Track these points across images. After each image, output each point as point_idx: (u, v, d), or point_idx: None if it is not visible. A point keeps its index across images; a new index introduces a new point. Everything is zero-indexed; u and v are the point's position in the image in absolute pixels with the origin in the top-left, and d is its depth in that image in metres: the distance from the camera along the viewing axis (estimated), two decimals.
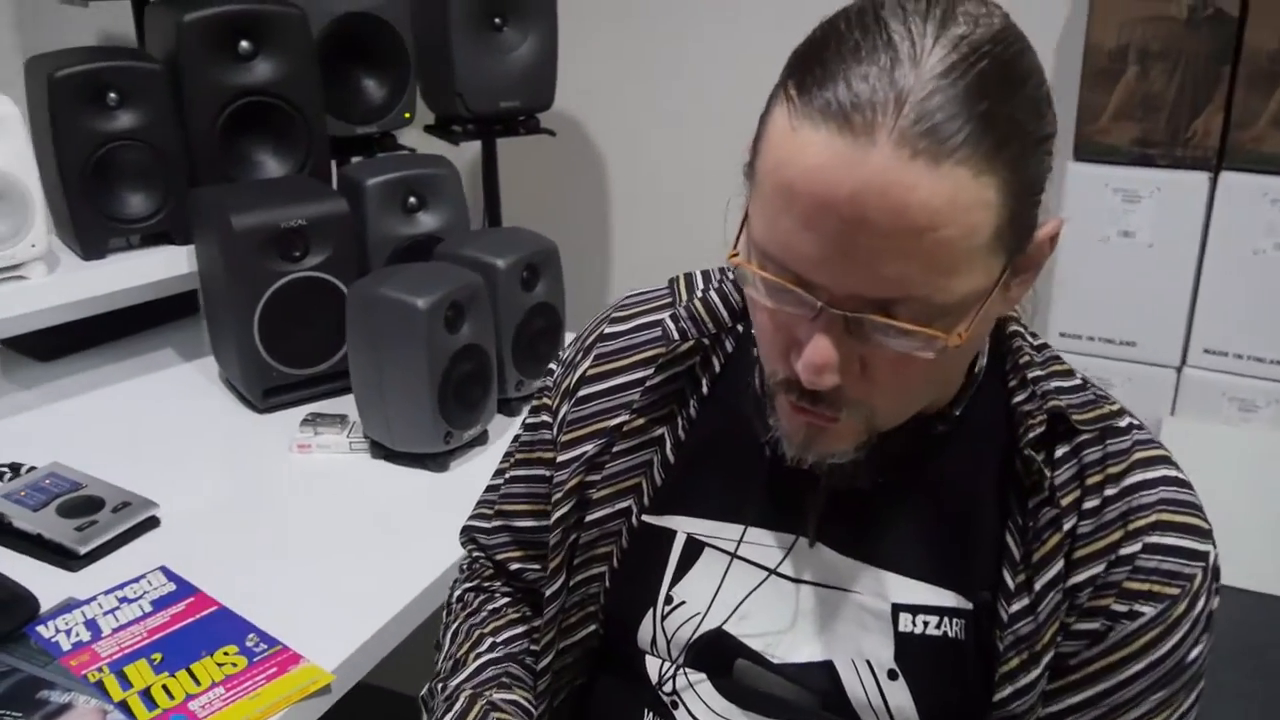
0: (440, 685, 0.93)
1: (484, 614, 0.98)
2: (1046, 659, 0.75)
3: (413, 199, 1.67)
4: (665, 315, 0.88)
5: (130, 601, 1.13)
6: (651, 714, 0.86)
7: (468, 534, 1.01)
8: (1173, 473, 0.78)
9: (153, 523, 1.28)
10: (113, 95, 1.55)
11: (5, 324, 1.53)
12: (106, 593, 1.14)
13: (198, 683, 1.01)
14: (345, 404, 1.51)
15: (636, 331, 0.90)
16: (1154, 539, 0.75)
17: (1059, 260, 1.98)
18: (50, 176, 1.56)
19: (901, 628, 0.78)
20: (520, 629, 0.97)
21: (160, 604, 1.13)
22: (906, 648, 0.78)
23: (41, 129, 1.54)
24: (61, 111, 1.51)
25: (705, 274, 0.91)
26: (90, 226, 1.58)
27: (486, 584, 1.01)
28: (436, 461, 1.39)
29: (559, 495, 0.89)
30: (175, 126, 1.61)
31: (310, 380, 1.57)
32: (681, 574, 0.85)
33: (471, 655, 0.94)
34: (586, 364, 0.91)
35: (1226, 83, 1.78)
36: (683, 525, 0.85)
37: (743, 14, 2.37)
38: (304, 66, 1.72)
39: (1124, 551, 0.74)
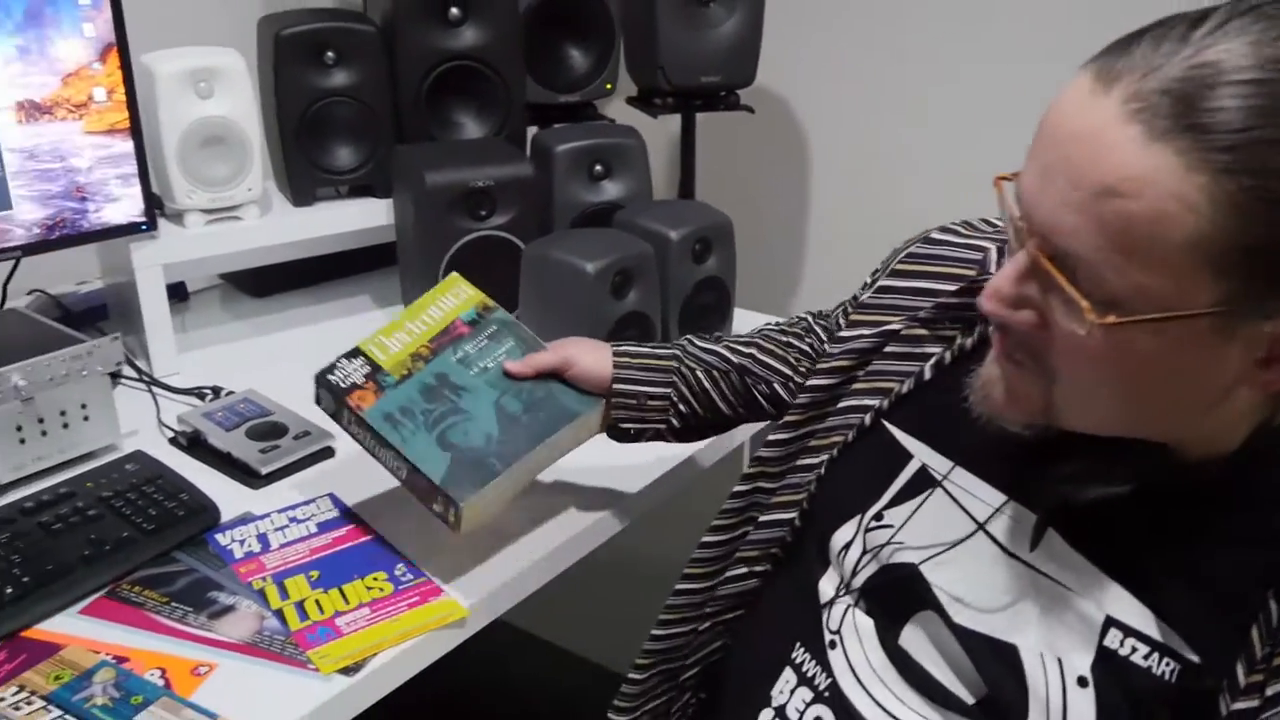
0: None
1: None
2: None
3: (599, 167, 1.72)
4: (993, 245, 0.88)
5: (299, 522, 1.22)
6: (803, 648, 0.87)
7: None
8: None
9: (328, 453, 1.37)
10: (330, 54, 1.66)
11: (220, 260, 1.67)
12: (279, 511, 1.24)
13: (346, 601, 1.08)
14: None
15: (960, 248, 0.91)
16: None
17: None
18: (270, 127, 1.68)
19: (1107, 642, 0.74)
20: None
21: (324, 527, 1.21)
22: (1106, 663, 0.74)
23: (266, 83, 1.66)
24: (284, 67, 1.63)
25: None
26: (301, 175, 1.70)
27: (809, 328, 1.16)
28: None
29: (826, 367, 0.93)
30: (385, 86, 1.71)
31: None
32: (902, 500, 0.84)
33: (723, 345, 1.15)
34: (895, 264, 0.94)
35: None
36: (923, 454, 0.85)
37: (954, 10, 2.30)
38: (508, 35, 1.79)
39: None
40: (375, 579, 1.12)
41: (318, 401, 1.18)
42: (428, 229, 1.56)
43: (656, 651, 1.08)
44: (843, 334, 0.94)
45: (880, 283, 0.95)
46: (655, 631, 1.08)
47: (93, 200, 1.46)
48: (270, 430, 1.37)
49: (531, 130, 1.92)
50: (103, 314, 1.75)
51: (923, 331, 0.88)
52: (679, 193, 2.40)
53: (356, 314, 1.86)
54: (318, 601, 1.08)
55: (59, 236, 1.45)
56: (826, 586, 0.89)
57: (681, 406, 1.13)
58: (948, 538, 0.81)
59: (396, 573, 1.13)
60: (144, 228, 1.52)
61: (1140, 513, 0.74)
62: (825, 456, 0.91)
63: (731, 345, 1.15)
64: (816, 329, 1.15)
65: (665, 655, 1.07)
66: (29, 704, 0.95)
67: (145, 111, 1.50)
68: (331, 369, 1.16)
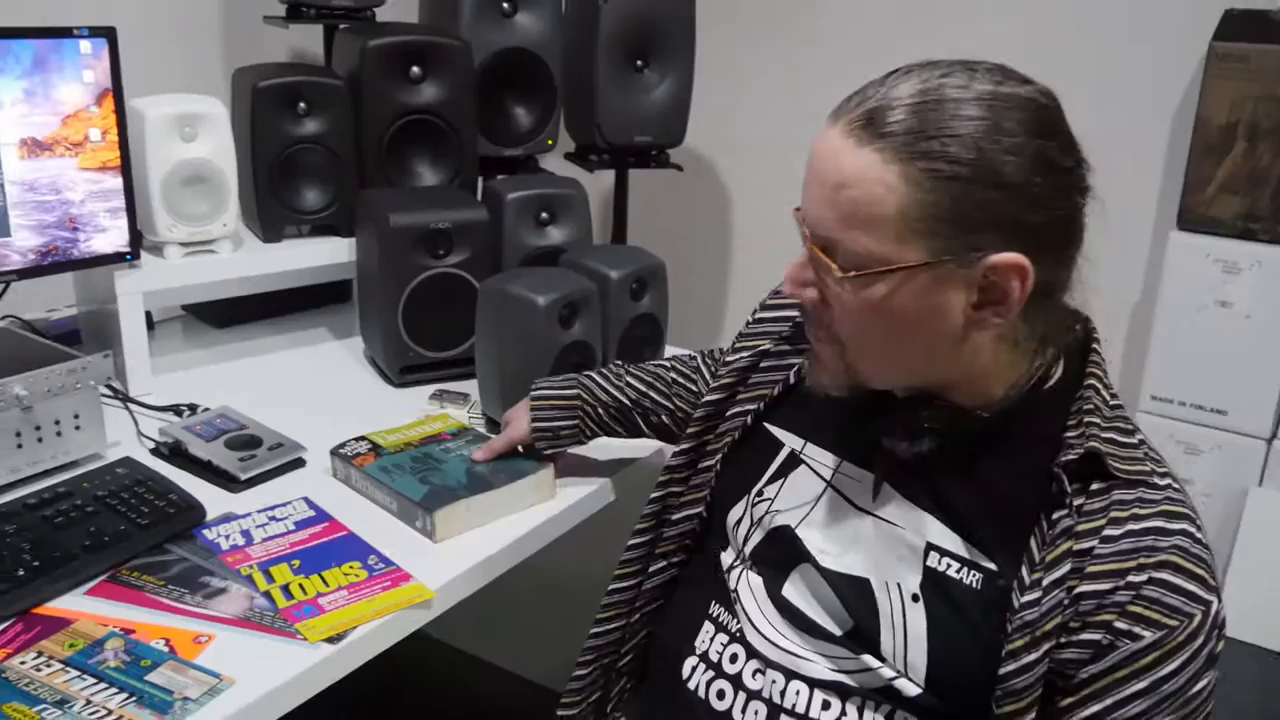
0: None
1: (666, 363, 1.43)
2: (1046, 646, 0.88)
3: (545, 214, 1.89)
4: None
5: (277, 520, 1.36)
6: (718, 605, 1.09)
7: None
8: (1193, 530, 0.90)
9: (300, 463, 1.51)
10: (302, 104, 1.82)
11: (196, 290, 1.80)
12: (259, 511, 1.37)
13: (326, 585, 1.23)
14: (468, 386, 1.73)
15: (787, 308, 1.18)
16: (1162, 575, 0.87)
17: (1155, 325, 2.05)
18: (244, 169, 1.83)
19: (929, 563, 0.96)
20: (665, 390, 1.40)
21: (301, 525, 1.35)
22: (931, 580, 0.96)
23: (241, 128, 1.81)
24: (260, 115, 1.79)
25: None
26: (272, 214, 1.85)
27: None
28: None
29: (716, 386, 1.18)
30: (350, 135, 1.87)
31: (441, 363, 1.79)
32: (777, 478, 1.08)
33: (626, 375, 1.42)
34: (768, 298, 1.21)
35: None
36: (790, 441, 1.09)
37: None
38: (463, 93, 1.97)
39: (1132, 579, 0.87)
40: (351, 567, 1.27)
41: (333, 472, 1.49)
42: (389, 265, 1.72)
43: (595, 648, 1.26)
44: (728, 359, 1.19)
45: (756, 316, 1.21)
46: (593, 630, 1.26)
47: (83, 230, 1.60)
48: (248, 442, 1.51)
49: (481, 179, 2.09)
50: (75, 339, 1.87)
51: (786, 348, 1.14)
52: (612, 240, 2.59)
53: (314, 344, 2.00)
54: (301, 585, 1.22)
55: (51, 263, 1.58)
56: (727, 558, 1.11)
57: (587, 433, 1.45)
58: (809, 502, 1.04)
59: (370, 562, 1.28)
60: (128, 258, 1.65)
61: (945, 462, 0.96)
62: (719, 456, 1.14)
63: (631, 384, 1.43)
64: (704, 369, 1.40)
65: (602, 650, 1.26)
66: (49, 665, 1.07)
67: (133, 151, 1.64)
68: (343, 445, 1.50)
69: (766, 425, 1.12)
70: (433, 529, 1.33)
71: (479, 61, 2.08)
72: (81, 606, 1.18)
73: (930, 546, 0.96)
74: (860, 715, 0.98)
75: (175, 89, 1.74)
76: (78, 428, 1.45)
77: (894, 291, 0.88)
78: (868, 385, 0.97)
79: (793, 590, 1.04)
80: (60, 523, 1.27)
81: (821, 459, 1.07)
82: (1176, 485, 0.93)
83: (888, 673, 0.97)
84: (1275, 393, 1.98)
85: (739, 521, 1.10)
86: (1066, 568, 0.89)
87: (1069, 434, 0.93)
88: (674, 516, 1.19)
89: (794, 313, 1.14)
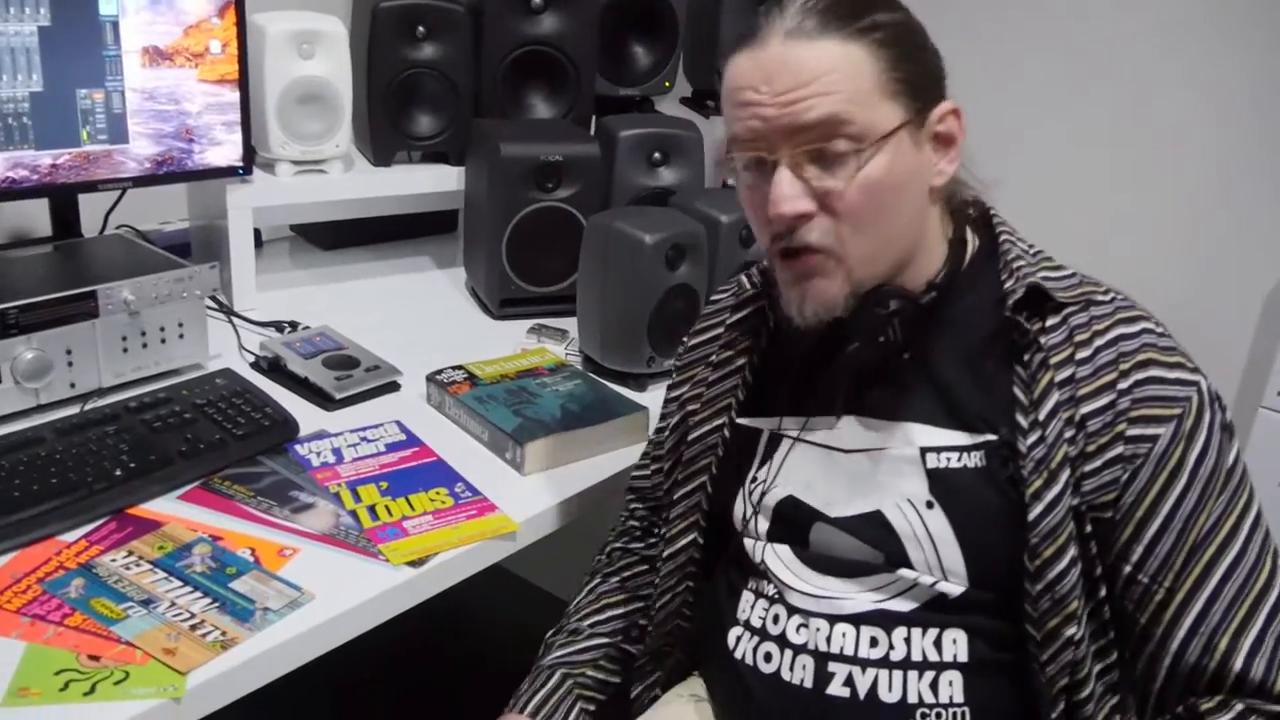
0: (553, 643, 1.21)
1: (614, 581, 1.25)
2: (1064, 476, 0.91)
3: (658, 154, 1.85)
4: (739, 280, 1.15)
5: (369, 441, 1.35)
6: (752, 579, 1.06)
7: (628, 489, 1.29)
8: (1152, 325, 0.96)
9: (394, 386, 1.50)
10: (421, 29, 1.79)
11: (305, 210, 1.81)
12: (352, 430, 1.37)
13: (412, 508, 1.22)
14: (567, 323, 1.70)
15: (721, 301, 1.20)
16: (1147, 373, 0.92)
17: None
18: (360, 91, 1.82)
19: (930, 465, 0.97)
20: (640, 605, 1.22)
21: (392, 447, 1.35)
22: (937, 481, 0.96)
23: (359, 49, 1.80)
24: (378, 37, 1.77)
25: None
26: (384, 138, 1.84)
27: (633, 544, 1.27)
28: (637, 381, 1.56)
29: (670, 418, 1.18)
30: (469, 63, 1.85)
31: (541, 298, 1.77)
32: (765, 462, 1.07)
33: (587, 624, 1.21)
34: (694, 328, 1.21)
35: None
36: (764, 424, 1.09)
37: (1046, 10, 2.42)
38: (584, 27, 1.92)
39: (1122, 386, 0.92)
40: (438, 493, 1.25)
41: (428, 398, 1.48)
42: (498, 196, 1.70)
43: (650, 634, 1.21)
44: (672, 395, 1.20)
45: (687, 346, 1.20)
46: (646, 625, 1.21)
47: (198, 143, 1.60)
48: (344, 362, 1.50)
49: (595, 117, 2.05)
50: (185, 252, 1.89)
51: (729, 353, 1.12)
52: (723, 185, 2.53)
53: (416, 272, 2.00)
54: (387, 507, 1.22)
55: (166, 173, 1.59)
56: (747, 547, 1.07)
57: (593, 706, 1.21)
58: (803, 466, 1.04)
59: (456, 490, 1.26)
60: (241, 172, 1.66)
61: (898, 370, 0.99)
62: (704, 478, 1.11)
63: (597, 654, 1.20)
64: (650, 537, 1.27)
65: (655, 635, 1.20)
66: (138, 565, 1.08)
67: (253, 66, 1.64)
68: (440, 371, 1.48)
69: (740, 422, 1.10)
70: (522, 461, 1.31)
71: None
72: (173, 510, 1.19)
73: (924, 451, 0.97)
74: (908, 644, 0.96)
75: (299, 6, 1.73)
76: (181, 336, 1.47)
77: (891, 162, 0.92)
78: (861, 290, 0.96)
79: (819, 545, 1.03)
80: (159, 427, 1.28)
81: (795, 425, 1.06)
82: (1120, 294, 0.98)
83: (928, 579, 0.96)
84: None
85: (744, 515, 1.07)
86: (1055, 397, 0.92)
87: (1006, 283, 0.98)
88: (667, 551, 1.15)
89: (717, 328, 1.16)
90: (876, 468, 1.00)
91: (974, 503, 0.95)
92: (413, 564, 1.13)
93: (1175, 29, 2.15)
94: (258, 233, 2.03)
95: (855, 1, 0.92)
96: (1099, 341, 0.94)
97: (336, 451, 1.32)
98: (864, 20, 0.91)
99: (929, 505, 0.96)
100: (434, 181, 1.88)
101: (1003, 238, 1.02)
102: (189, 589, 1.05)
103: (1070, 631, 0.91)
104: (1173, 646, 0.90)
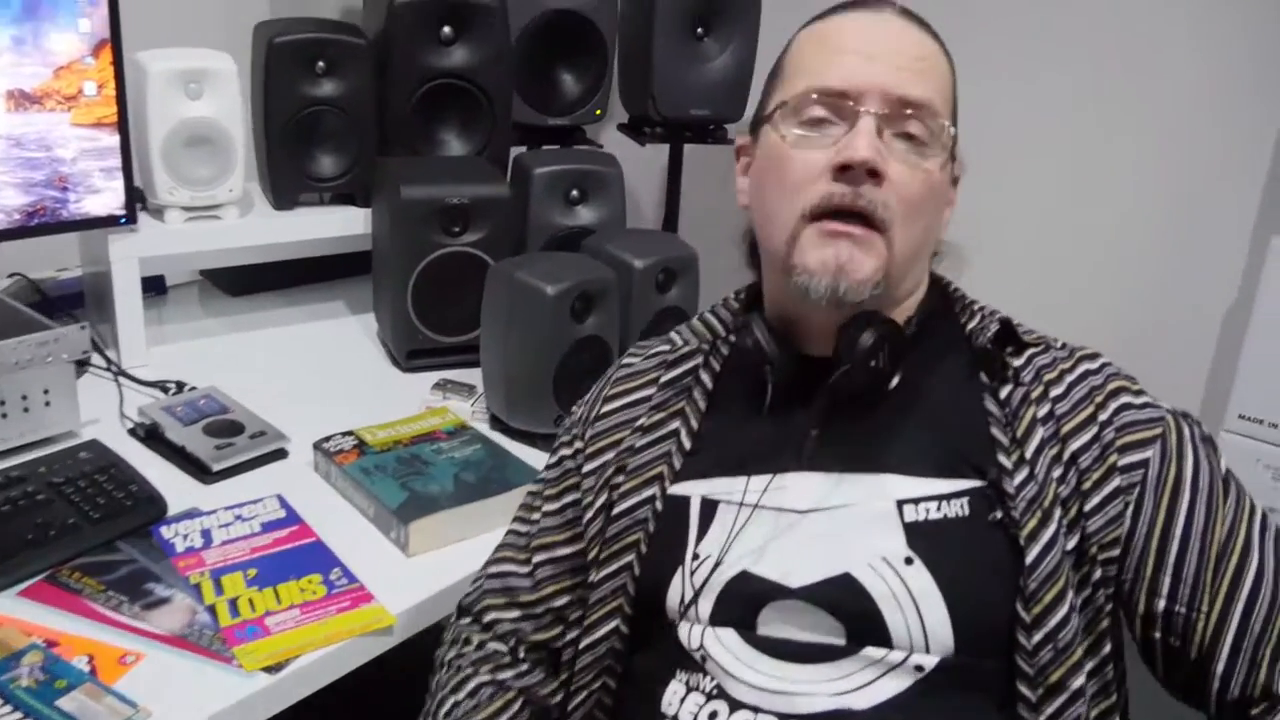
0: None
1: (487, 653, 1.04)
2: (1057, 515, 0.85)
3: (575, 192, 1.75)
4: (669, 343, 1.06)
5: (244, 520, 1.25)
6: (682, 671, 0.91)
7: (486, 591, 1.06)
8: (1111, 361, 0.94)
9: (281, 454, 1.40)
10: (321, 64, 1.69)
11: (197, 257, 1.70)
12: (226, 508, 1.26)
13: (279, 601, 1.11)
14: (477, 376, 1.60)
15: (647, 359, 1.07)
16: (1120, 401, 0.90)
17: (1248, 337, 1.88)
18: (258, 131, 1.71)
19: (908, 518, 0.87)
20: (525, 667, 1.03)
21: (268, 527, 1.24)
22: (917, 535, 0.86)
23: (258, 87, 1.70)
24: (274, 74, 1.67)
25: (698, 315, 1.08)
26: (284, 180, 1.73)
27: (502, 674, 1.02)
28: (545, 441, 1.45)
29: (589, 498, 1.02)
30: (373, 99, 1.75)
31: (451, 348, 1.67)
32: (703, 533, 0.94)
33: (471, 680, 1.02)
34: (605, 391, 1.06)
35: None
36: (696, 489, 0.96)
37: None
38: (499, 57, 1.83)
39: (1102, 417, 0.89)
40: (310, 581, 1.15)
41: (315, 467, 1.37)
42: (400, 241, 1.60)
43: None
44: (591, 466, 1.03)
45: (599, 412, 1.05)
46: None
47: (74, 190, 1.50)
48: (227, 428, 1.40)
49: (516, 150, 1.95)
50: (79, 302, 1.78)
51: (660, 415, 1.01)
52: (662, 222, 2.44)
53: (329, 318, 1.89)
54: (251, 600, 1.11)
55: (38, 224, 1.48)
56: (682, 633, 0.93)
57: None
58: (753, 535, 0.91)
59: (331, 576, 1.16)
60: (123, 221, 1.55)
61: (868, 415, 0.91)
62: (631, 556, 0.97)
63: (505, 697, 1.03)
64: (521, 664, 1.05)
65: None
66: None
67: (134, 108, 1.54)
68: (328, 438, 1.38)
69: (671, 493, 0.98)
70: (406, 541, 1.21)
71: (525, 23, 1.94)
72: (10, 609, 1.08)
73: (901, 503, 0.88)
74: None
75: (189, 43, 1.62)
76: (48, 404, 1.36)
77: (944, 171, 0.93)
78: (888, 287, 0.92)
79: (771, 627, 0.89)
80: (7, 511, 1.17)
81: (734, 487, 0.93)
82: (1068, 343, 0.97)
83: (898, 654, 0.85)
84: None
85: (683, 599, 0.93)
86: (1040, 433, 0.88)
87: (970, 323, 0.96)
88: (585, 642, 0.99)
89: (645, 389, 1.04)
90: (842, 526, 0.89)
91: (960, 555, 0.86)
92: (270, 669, 1.02)
93: (1129, 43, 2.07)
94: (162, 279, 1.93)
95: (927, 24, 0.97)
96: (1069, 378, 0.92)
97: (205, 533, 1.22)
98: (939, 39, 0.96)
99: (908, 562, 0.86)
100: (341, 225, 1.78)
101: (949, 286, 1.02)
102: (8, 709, 0.94)
103: (1076, 683, 0.84)
104: (1218, 669, 0.85)
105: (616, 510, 0.99)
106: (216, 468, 1.33)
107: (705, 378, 1.02)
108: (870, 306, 0.91)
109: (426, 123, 1.81)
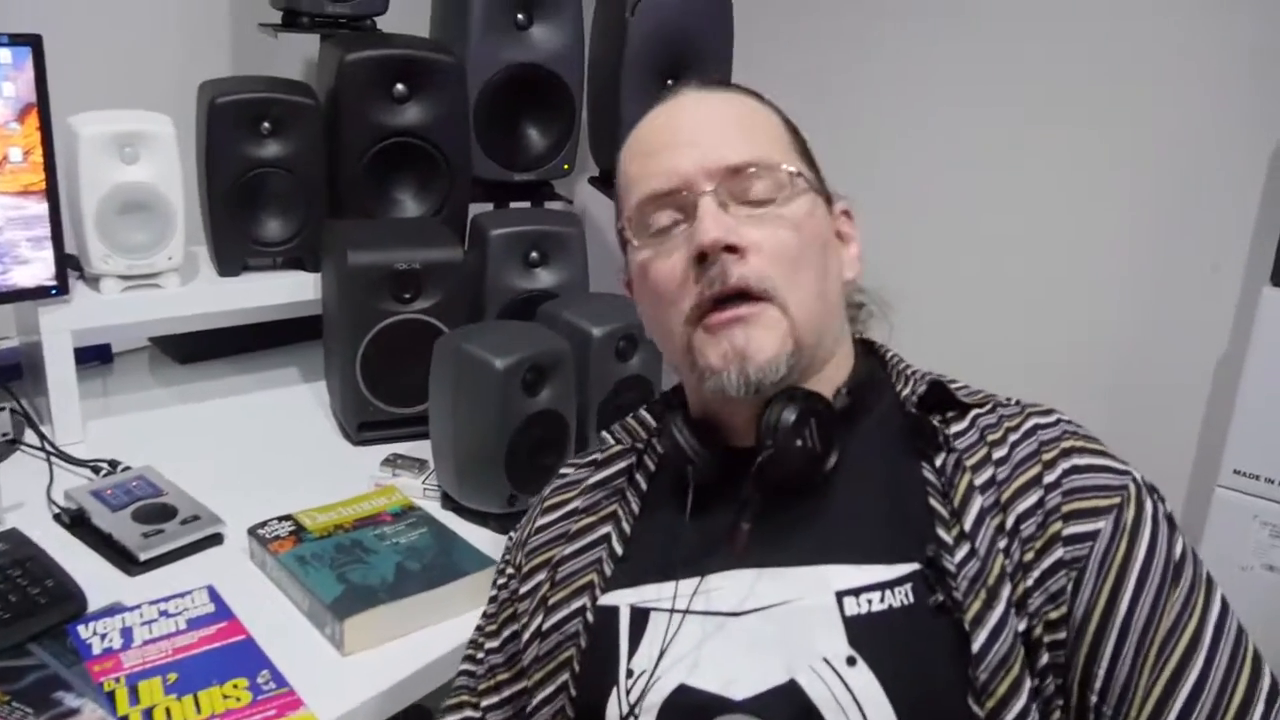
0: None
1: None
2: (1005, 593, 0.77)
3: (535, 254, 1.69)
4: (606, 442, 1.00)
5: (169, 616, 1.16)
6: None
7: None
8: (1065, 417, 0.85)
9: (215, 540, 1.31)
10: (266, 124, 1.63)
11: (137, 327, 1.62)
12: (151, 603, 1.17)
13: (199, 710, 1.02)
14: (429, 449, 1.52)
15: (582, 469, 1.00)
16: (1072, 461, 0.81)
17: (1242, 390, 1.84)
18: (203, 194, 1.65)
19: (848, 612, 0.79)
20: None
21: (195, 624, 1.15)
22: (858, 631, 0.79)
23: (200, 150, 1.63)
24: (216, 134, 1.60)
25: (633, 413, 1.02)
26: (229, 245, 1.66)
27: None
28: (499, 522, 1.38)
29: (526, 616, 0.94)
30: (322, 159, 1.68)
31: (403, 420, 1.59)
32: (635, 645, 0.86)
33: None
34: (539, 508, 1.00)
35: None
36: (625, 598, 0.88)
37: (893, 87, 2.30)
38: (455, 115, 1.77)
39: (1048, 479, 0.80)
40: (236, 686, 1.06)
41: (251, 555, 1.28)
42: (348, 308, 1.53)
43: None
44: (526, 588, 0.96)
45: (533, 529, 0.99)
46: None
47: (1, 262, 1.42)
48: (158, 512, 1.31)
49: (481, 208, 1.89)
50: (17, 373, 1.70)
51: (589, 519, 0.95)
52: None
53: (281, 386, 1.81)
54: (168, 709, 1.02)
55: None
56: None
57: None
58: (686, 645, 0.83)
59: (259, 680, 1.07)
60: (54, 292, 1.48)
61: (798, 504, 0.84)
62: (565, 675, 0.90)
63: None
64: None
65: None
66: None
67: (66, 173, 1.47)
68: (264, 524, 1.29)
69: (603, 604, 0.90)
70: (341, 639, 1.12)
71: (488, 77, 1.89)
72: None
73: (840, 595, 0.80)
74: None
75: (130, 104, 1.55)
76: None
77: (810, 209, 0.88)
78: (800, 355, 0.85)
79: None
80: None
81: (663, 593, 0.87)
82: (1022, 401, 0.88)
83: None
84: None
85: (620, 715, 0.85)
86: (978, 502, 0.80)
87: (901, 389, 0.90)
88: None
89: (578, 499, 0.97)
90: (782, 627, 0.81)
91: (904, 650, 0.78)
92: None
93: (1106, 72, 2.02)
94: (107, 348, 1.85)
95: (746, 89, 0.93)
96: (1013, 436, 0.84)
97: (126, 632, 1.13)
98: (762, 99, 0.93)
99: (850, 662, 0.78)
100: (290, 291, 1.70)
101: (879, 349, 0.96)
102: None
103: None
104: None
105: (548, 625, 0.91)
106: (144, 557, 1.25)
107: (639, 478, 0.95)
108: (794, 381, 0.85)
109: (380, 183, 1.75)
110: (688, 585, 0.84)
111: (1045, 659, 0.76)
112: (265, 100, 1.62)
